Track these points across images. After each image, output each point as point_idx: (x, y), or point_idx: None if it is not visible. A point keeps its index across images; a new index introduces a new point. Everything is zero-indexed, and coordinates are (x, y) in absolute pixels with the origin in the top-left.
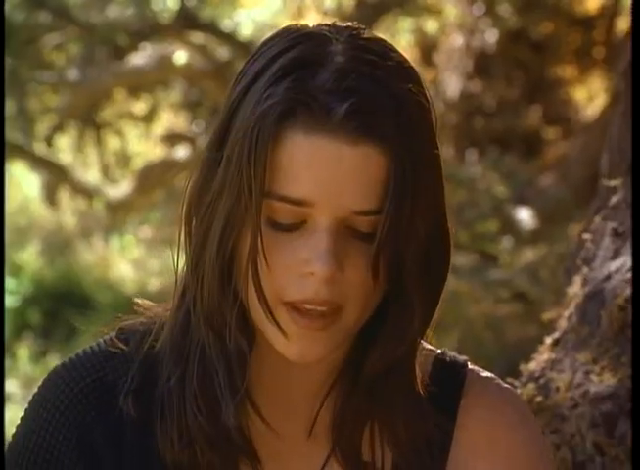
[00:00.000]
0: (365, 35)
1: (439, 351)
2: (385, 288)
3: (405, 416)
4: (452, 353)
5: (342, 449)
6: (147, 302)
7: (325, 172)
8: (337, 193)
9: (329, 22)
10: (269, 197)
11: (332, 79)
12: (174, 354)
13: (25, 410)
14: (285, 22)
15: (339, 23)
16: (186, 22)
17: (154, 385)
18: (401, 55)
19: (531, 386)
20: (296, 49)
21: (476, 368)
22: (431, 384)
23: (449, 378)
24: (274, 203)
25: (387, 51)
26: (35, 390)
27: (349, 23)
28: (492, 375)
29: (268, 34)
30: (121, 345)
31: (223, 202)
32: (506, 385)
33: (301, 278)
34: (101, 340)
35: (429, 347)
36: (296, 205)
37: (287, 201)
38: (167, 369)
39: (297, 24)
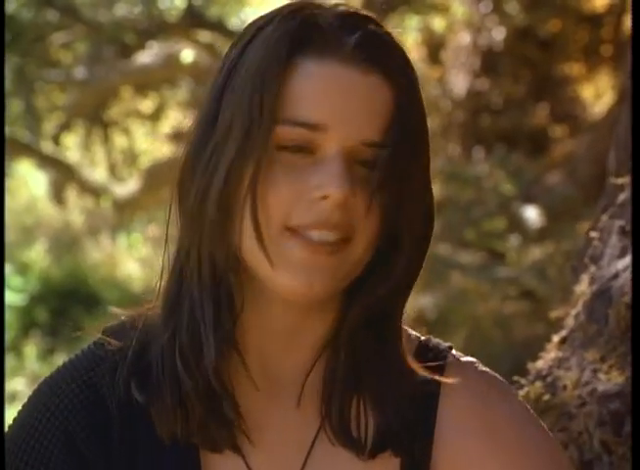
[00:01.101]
0: None
1: (424, 337)
2: (384, 227)
3: (391, 388)
4: (436, 340)
5: (332, 422)
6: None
7: (339, 98)
8: (349, 119)
9: None
10: (285, 124)
11: (337, 19)
12: (166, 313)
13: (15, 418)
14: None
15: None
16: (193, 20)
17: (147, 366)
18: None
19: (539, 384)
20: (293, 5)
21: (457, 353)
22: (414, 365)
23: (431, 360)
24: (288, 130)
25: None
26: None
27: None
28: (473, 359)
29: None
30: (109, 341)
31: (233, 137)
32: (485, 368)
33: (312, 204)
34: (86, 346)
35: (414, 333)
36: (310, 130)
37: (303, 125)
38: (160, 332)
39: None
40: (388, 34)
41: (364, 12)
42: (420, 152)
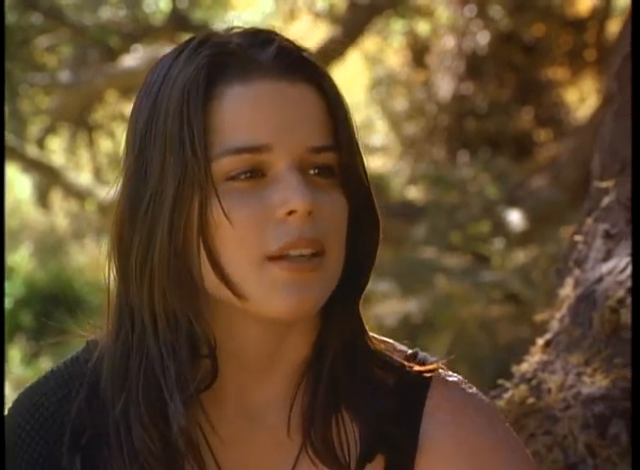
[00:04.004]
0: None
1: (410, 351)
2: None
3: (371, 403)
4: (423, 355)
5: (315, 443)
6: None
7: (274, 113)
8: (289, 131)
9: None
10: (227, 154)
11: (245, 40)
12: (116, 381)
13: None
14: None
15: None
16: (178, 23)
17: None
18: None
19: (523, 387)
20: (195, 39)
21: (444, 372)
22: (397, 383)
23: (416, 376)
24: (233, 159)
25: None
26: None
27: None
28: (460, 379)
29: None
30: (84, 360)
31: (169, 184)
32: (473, 390)
33: (280, 224)
34: (68, 358)
35: (401, 347)
36: (255, 152)
37: (246, 151)
38: (110, 400)
39: None
40: (295, 43)
41: (266, 28)
42: (359, 150)
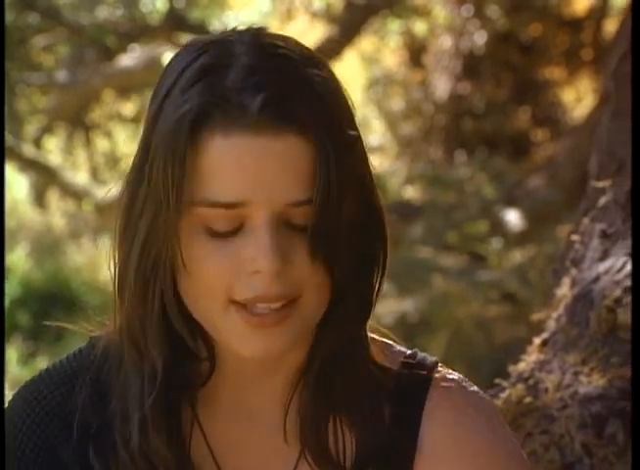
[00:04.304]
0: (267, 33)
1: (410, 351)
2: (334, 277)
3: (367, 407)
4: (422, 355)
5: (311, 448)
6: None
7: (252, 169)
8: (268, 188)
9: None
10: (202, 205)
11: (241, 78)
12: (112, 375)
13: None
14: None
15: (241, 27)
16: (175, 23)
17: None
18: (304, 46)
19: (520, 387)
20: (202, 57)
21: (444, 370)
22: (396, 385)
23: (415, 380)
24: (209, 210)
25: (289, 44)
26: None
27: (251, 25)
28: (460, 377)
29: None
30: (87, 356)
31: (145, 216)
32: (473, 388)
33: (250, 276)
34: (71, 352)
35: (400, 348)
36: (229, 208)
37: (219, 206)
38: (111, 394)
39: (201, 36)
40: (297, 80)
41: (276, 48)
42: (352, 193)
